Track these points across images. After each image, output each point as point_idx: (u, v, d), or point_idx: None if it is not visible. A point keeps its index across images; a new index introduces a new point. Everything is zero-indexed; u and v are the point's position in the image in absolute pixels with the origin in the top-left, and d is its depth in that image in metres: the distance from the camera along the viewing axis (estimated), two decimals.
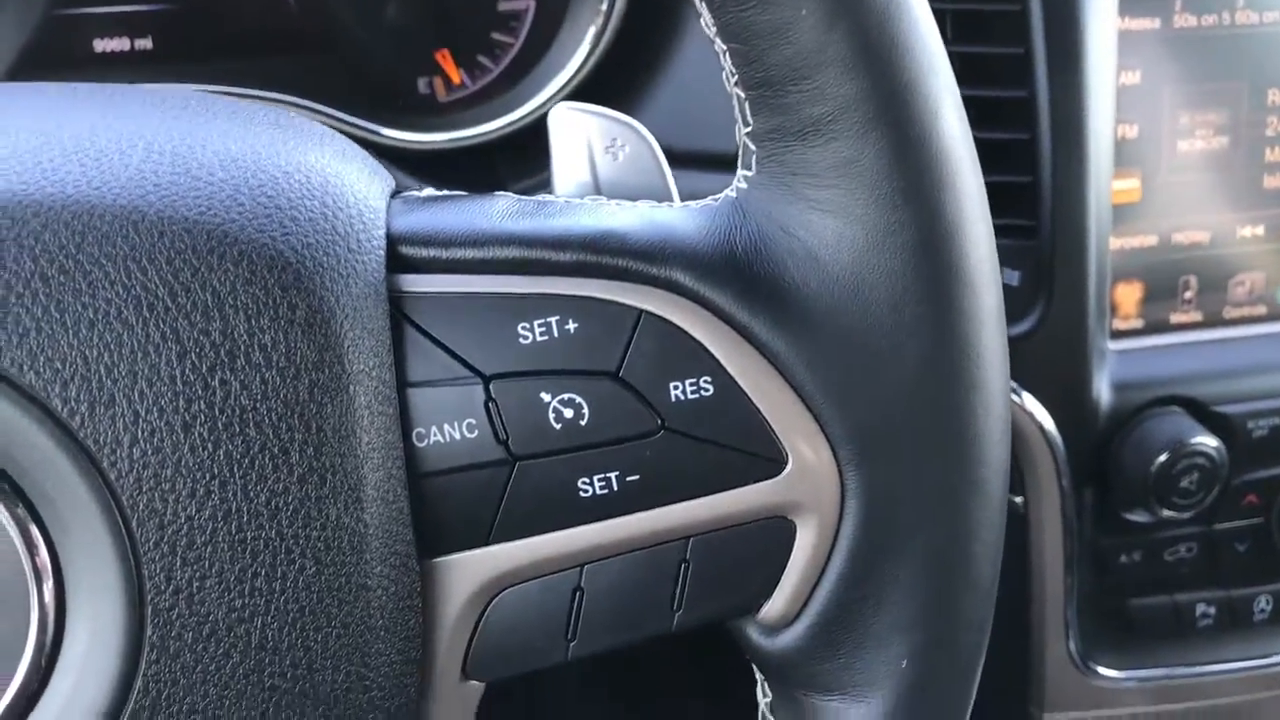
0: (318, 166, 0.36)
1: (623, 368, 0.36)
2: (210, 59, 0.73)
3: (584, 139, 0.41)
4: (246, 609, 0.33)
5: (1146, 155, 0.72)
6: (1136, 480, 0.71)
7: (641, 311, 0.36)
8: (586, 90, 0.72)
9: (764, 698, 0.40)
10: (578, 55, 0.70)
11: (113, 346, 0.32)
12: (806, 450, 0.36)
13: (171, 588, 0.32)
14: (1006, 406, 0.38)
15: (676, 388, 0.36)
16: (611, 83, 0.72)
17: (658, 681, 0.76)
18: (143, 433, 0.32)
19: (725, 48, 0.35)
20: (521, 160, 0.73)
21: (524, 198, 0.38)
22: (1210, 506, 0.71)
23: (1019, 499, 0.73)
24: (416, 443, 0.35)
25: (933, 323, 0.35)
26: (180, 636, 0.32)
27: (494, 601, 0.36)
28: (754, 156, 0.36)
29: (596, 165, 0.41)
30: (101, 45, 0.73)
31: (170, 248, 0.32)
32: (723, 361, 0.36)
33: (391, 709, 0.35)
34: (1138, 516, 0.73)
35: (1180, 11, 0.69)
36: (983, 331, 0.36)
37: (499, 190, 0.40)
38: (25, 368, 0.31)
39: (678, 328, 0.36)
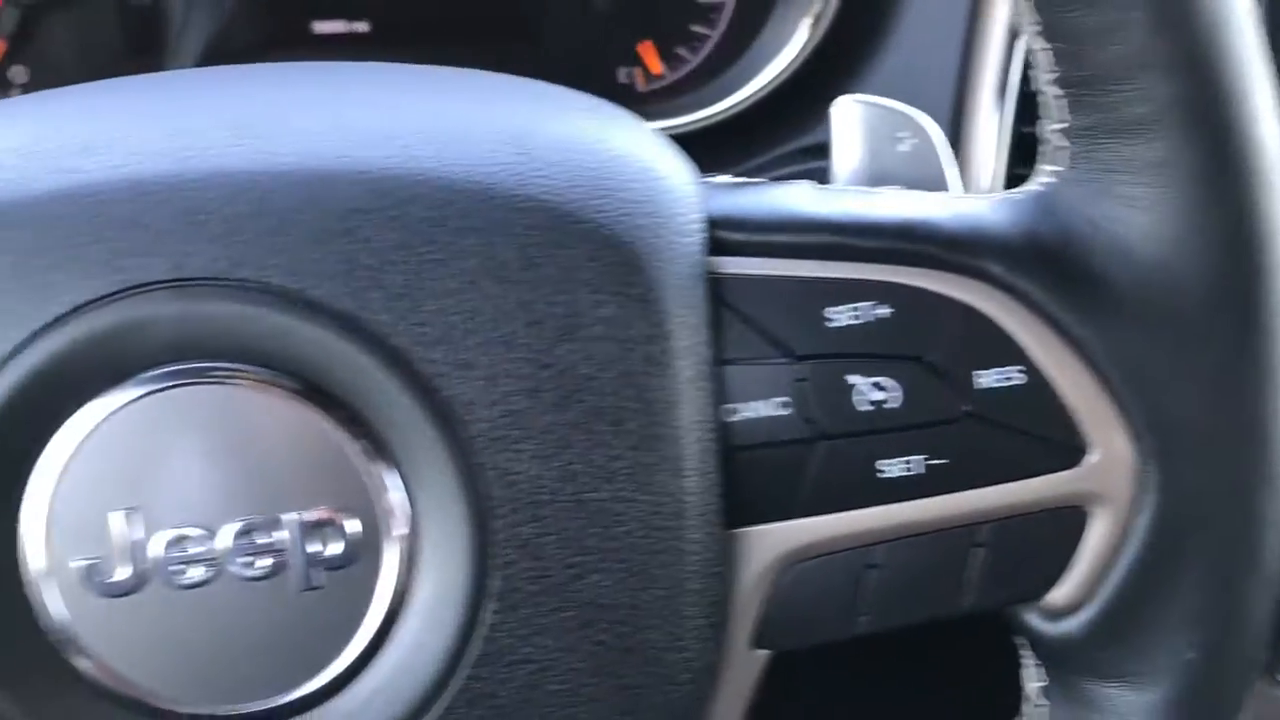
0: (638, 151, 0.37)
1: (931, 353, 0.37)
2: (422, 43, 0.76)
3: (869, 130, 0.42)
4: (582, 567, 0.34)
5: None
6: None
7: (951, 299, 0.37)
8: (791, 85, 0.73)
9: (1036, 682, 0.41)
10: (788, 51, 0.72)
11: (471, 314, 0.34)
12: (1108, 441, 0.37)
13: (516, 542, 0.34)
14: None
15: (983, 375, 0.37)
16: (815, 77, 0.73)
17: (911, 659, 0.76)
18: (496, 395, 0.34)
19: (1047, 47, 0.36)
20: (717, 153, 0.74)
21: (825, 186, 0.40)
22: None
23: None
24: (728, 418, 0.36)
25: (1241, 321, 0.36)
26: (521, 589, 0.34)
27: (788, 573, 0.38)
28: (1067, 152, 0.37)
29: (881, 156, 0.42)
30: (320, 27, 0.76)
31: (522, 224, 0.34)
32: (1031, 351, 0.37)
33: (699, 668, 0.36)
34: None
35: None
36: None
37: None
38: (393, 330, 0.33)
39: (987, 317, 0.37)
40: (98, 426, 0.33)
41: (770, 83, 0.72)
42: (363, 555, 0.34)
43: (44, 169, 0.34)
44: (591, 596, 0.35)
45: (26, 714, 0.33)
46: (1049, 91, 0.37)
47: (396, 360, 0.33)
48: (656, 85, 0.78)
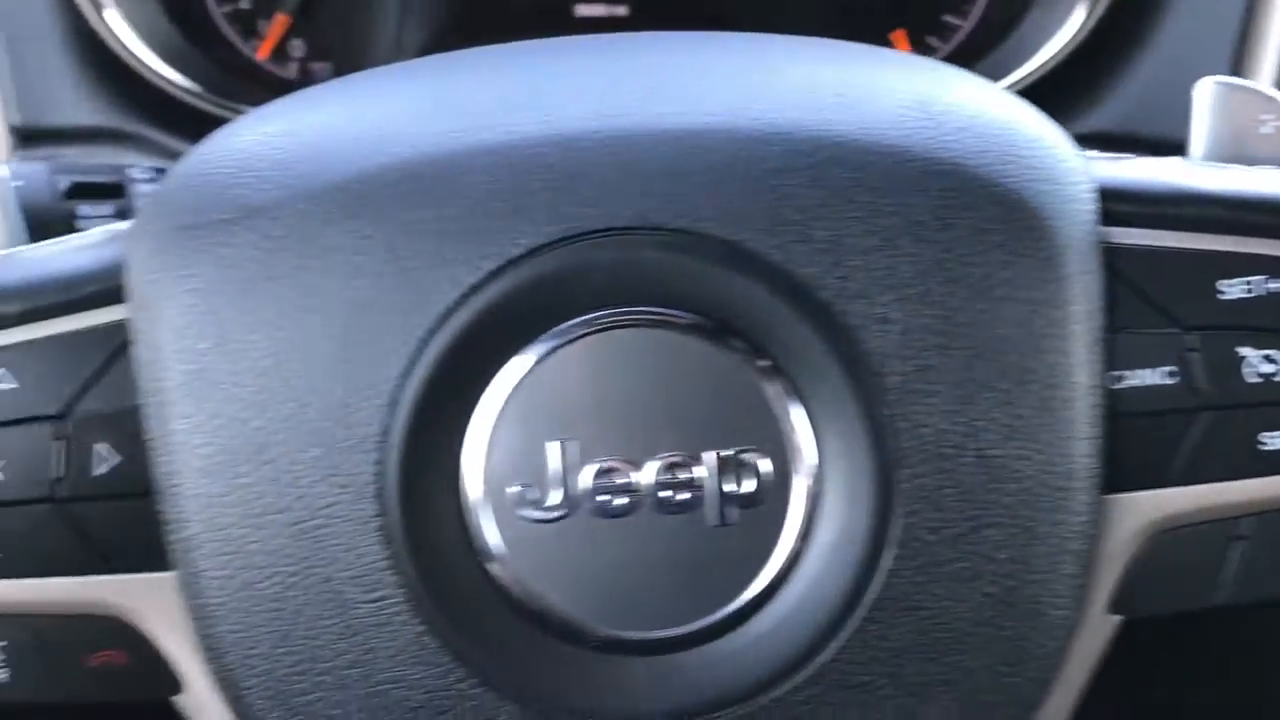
0: (1032, 123, 0.39)
1: None
2: (677, 26, 0.78)
3: (1231, 111, 0.43)
4: (978, 520, 0.36)
5: None
6: None
7: None
8: (1049, 79, 0.73)
9: None
10: (1053, 42, 0.72)
11: (890, 270, 0.35)
12: None
13: (919, 493, 0.35)
14: None
15: None
16: (1078, 69, 0.73)
17: None
18: (910, 349, 0.35)
19: None
20: None
21: (1202, 162, 0.40)
22: None
23: None
24: (1114, 384, 0.37)
25: None
26: (920, 538, 0.36)
27: (1153, 541, 0.39)
28: None
29: (1243, 136, 0.43)
30: (582, 10, 0.78)
31: (936, 186, 0.36)
32: None
33: (1070, 627, 0.37)
34: None
35: None
36: None
37: None
38: (818, 282, 0.35)
39: None
40: (539, 363, 0.35)
41: (1032, 73, 0.73)
42: (772, 495, 0.36)
43: (489, 125, 0.36)
44: (984, 549, 0.36)
45: (458, 631, 0.35)
46: None
47: (819, 311, 0.35)
48: None
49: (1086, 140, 0.72)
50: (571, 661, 0.36)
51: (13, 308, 0.37)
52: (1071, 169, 0.38)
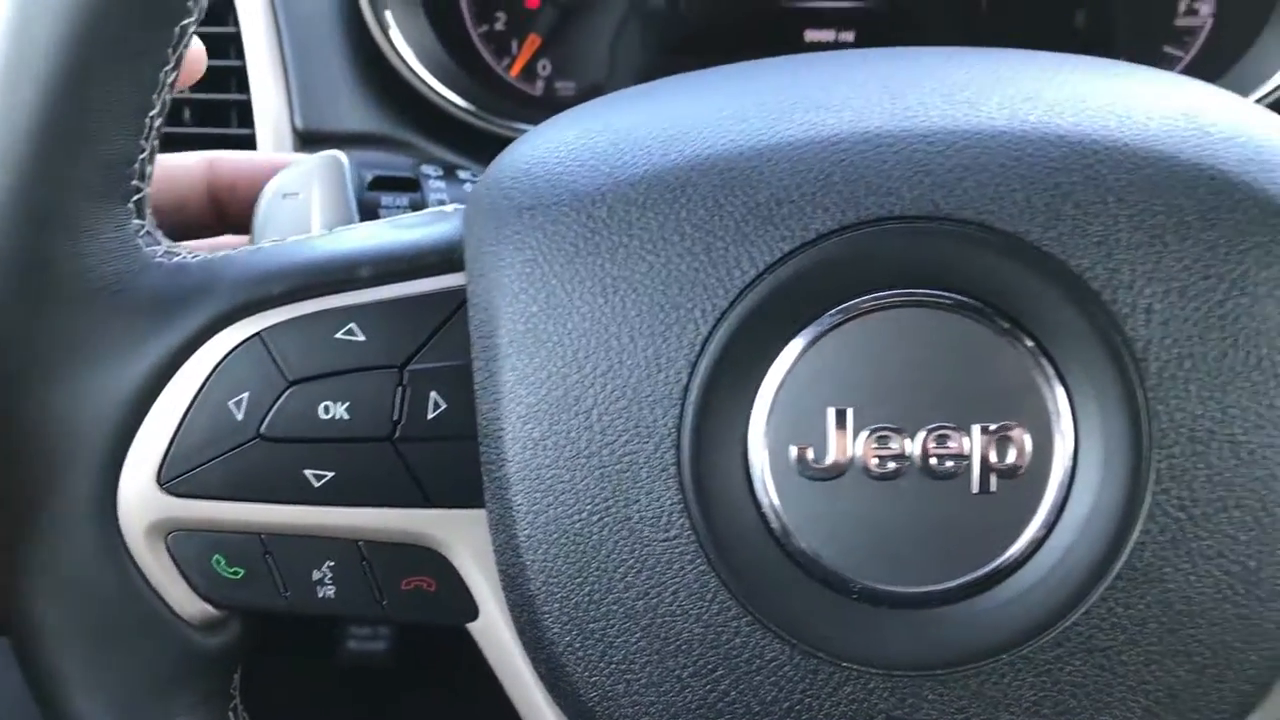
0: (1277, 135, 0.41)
1: None
2: None
3: None
4: (1225, 501, 0.38)
5: None
6: None
7: None
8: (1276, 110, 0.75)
9: None
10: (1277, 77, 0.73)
11: (1155, 263, 0.38)
12: None
13: (1171, 473, 0.38)
14: None
15: None
16: None
17: None
18: (1171, 338, 0.38)
19: None
20: None
21: None
22: None
23: None
24: None
25: None
26: (1170, 515, 0.38)
27: None
28: None
29: None
30: (811, 35, 0.82)
31: (1202, 190, 0.39)
32: None
33: None
34: None
35: None
36: None
37: None
38: (1089, 271, 0.38)
39: None
40: (824, 336, 0.39)
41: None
42: (1032, 467, 0.39)
43: (795, 121, 0.41)
44: (1229, 530, 0.39)
45: (736, 574, 0.40)
46: None
47: (1089, 299, 0.38)
48: None
49: None
50: (834, 608, 0.40)
51: (365, 271, 0.43)
52: None
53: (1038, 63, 0.44)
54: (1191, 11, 0.79)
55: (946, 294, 0.39)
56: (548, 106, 0.84)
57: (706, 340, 0.39)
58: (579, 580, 0.40)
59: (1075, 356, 0.39)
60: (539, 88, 0.85)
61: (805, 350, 0.40)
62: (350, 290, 0.43)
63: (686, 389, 0.39)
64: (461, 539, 0.43)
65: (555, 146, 0.43)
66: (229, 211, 0.57)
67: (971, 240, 0.39)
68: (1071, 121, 0.40)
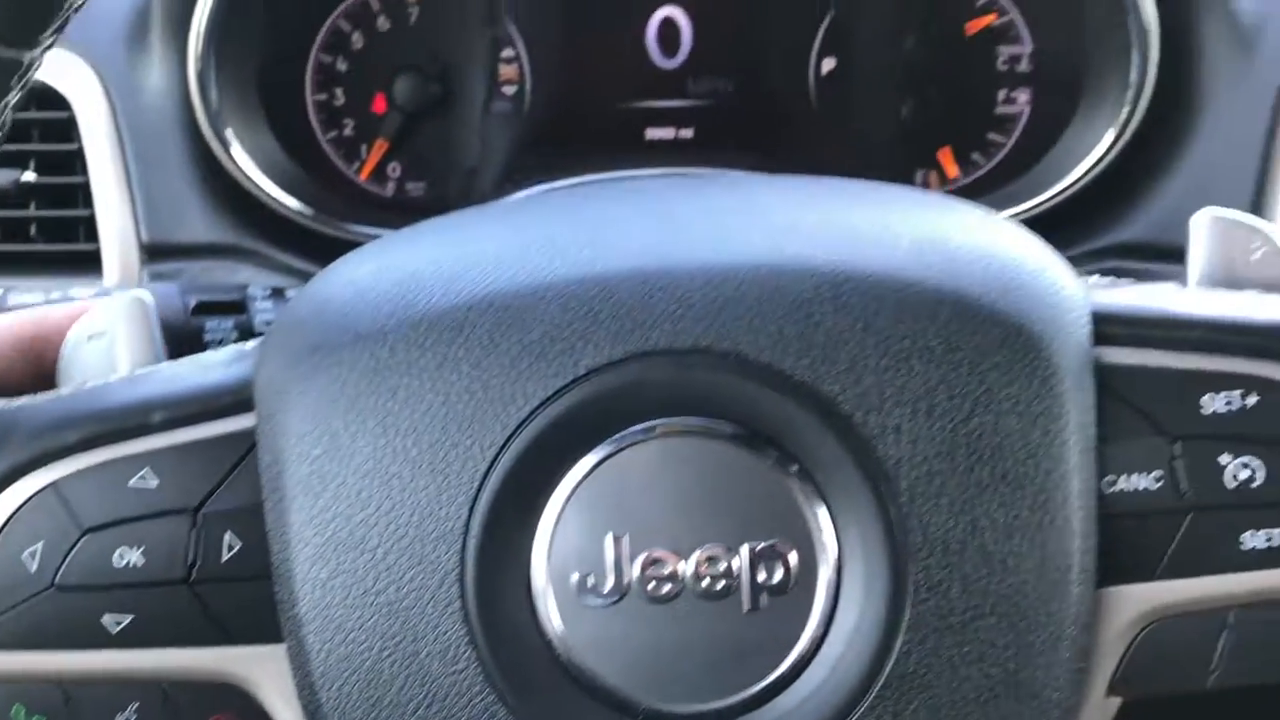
0: (1032, 254, 0.44)
1: None
2: (740, 148, 0.85)
3: (1224, 239, 0.48)
4: (980, 609, 0.40)
5: None
6: None
7: None
8: (1088, 191, 0.78)
9: None
10: (1089, 157, 0.77)
11: (901, 386, 0.41)
12: None
13: (928, 584, 0.40)
14: None
15: None
16: (1111, 184, 0.78)
17: None
18: (920, 456, 0.40)
19: None
20: None
21: (1190, 288, 0.45)
22: None
23: None
24: (1107, 488, 0.42)
25: None
26: (930, 624, 0.40)
27: (1148, 629, 0.43)
28: None
29: (1235, 263, 0.48)
30: (652, 134, 0.85)
31: (946, 314, 0.41)
32: None
33: (1067, 708, 0.42)
34: None
35: None
36: None
37: None
38: (841, 397, 0.40)
39: None
40: (599, 466, 0.41)
41: (1066, 189, 0.78)
42: (799, 584, 0.41)
43: (568, 260, 0.42)
44: (987, 635, 0.41)
45: (524, 701, 0.41)
46: None
47: (841, 423, 0.40)
48: (949, 188, 0.85)
49: (1119, 250, 0.77)
50: None
51: (157, 416, 0.44)
52: (1069, 296, 0.43)
53: (805, 190, 0.46)
54: (1010, 100, 0.83)
55: (712, 422, 0.41)
56: (399, 208, 0.85)
57: (485, 476, 0.41)
58: (373, 714, 0.41)
59: (834, 477, 0.41)
60: (390, 189, 0.86)
61: (582, 481, 0.41)
62: (144, 436, 0.44)
63: (468, 524, 0.41)
64: (265, 674, 0.44)
65: (346, 285, 0.44)
66: (46, 364, 0.57)
67: (732, 370, 0.41)
68: (826, 251, 0.42)
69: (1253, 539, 0.42)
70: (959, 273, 0.42)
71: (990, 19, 0.82)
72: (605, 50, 0.84)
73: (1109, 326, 0.43)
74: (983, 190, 0.84)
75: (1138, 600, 0.43)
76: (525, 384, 0.41)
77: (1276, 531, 0.42)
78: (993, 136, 0.84)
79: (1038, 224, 0.79)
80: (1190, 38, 0.75)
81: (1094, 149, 0.77)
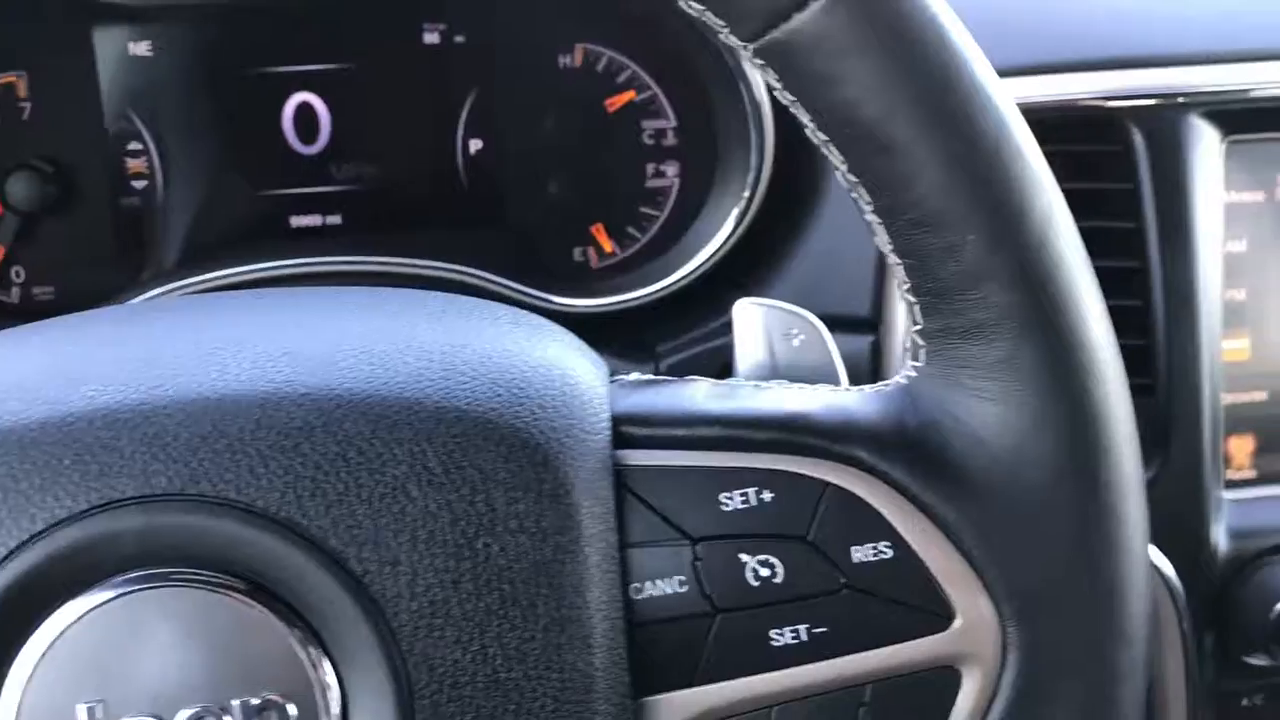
0: (554, 360, 0.43)
1: (811, 532, 0.41)
2: (391, 232, 0.82)
3: (765, 328, 0.48)
4: None
5: (1255, 317, 0.77)
6: (1256, 625, 0.75)
7: (827, 484, 0.41)
8: (727, 261, 0.79)
9: None
10: (721, 233, 0.78)
11: (398, 515, 0.38)
12: (972, 607, 0.41)
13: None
14: (1147, 566, 0.43)
15: (858, 551, 0.41)
16: (749, 255, 0.79)
17: None
18: (420, 588, 0.38)
19: (900, 263, 0.41)
20: (667, 323, 0.80)
21: (719, 382, 0.45)
22: None
23: None
24: (634, 596, 0.41)
25: (1084, 495, 0.41)
26: None
27: None
28: (923, 351, 0.42)
29: (775, 351, 0.48)
30: (297, 221, 0.82)
31: (446, 433, 0.39)
32: (899, 528, 0.41)
33: None
34: (1258, 660, 0.76)
35: None
36: (1127, 500, 0.41)
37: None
38: (330, 532, 0.38)
39: (859, 498, 0.41)
40: (69, 627, 0.37)
41: (705, 262, 0.78)
42: None
43: (31, 400, 0.39)
44: None
45: None
46: (906, 299, 0.42)
47: (332, 560, 0.38)
48: (609, 262, 0.84)
49: None
50: None
51: None
52: (588, 401, 0.42)
53: (306, 307, 0.44)
54: (660, 174, 0.84)
55: (190, 572, 0.38)
56: (26, 314, 0.79)
57: None
58: None
59: (329, 619, 0.38)
60: (15, 295, 0.81)
61: (49, 648, 0.37)
62: None
63: None
64: None
65: None
66: None
67: (212, 514, 0.38)
68: (319, 377, 0.40)
69: (780, 636, 0.41)
70: (461, 388, 0.40)
71: (630, 95, 0.82)
72: (240, 137, 0.81)
73: (629, 428, 0.42)
74: (639, 263, 0.84)
75: (681, 708, 0.41)
76: None
77: (801, 627, 0.41)
78: (645, 210, 0.84)
79: (683, 296, 0.80)
80: None
81: (722, 227, 0.77)
